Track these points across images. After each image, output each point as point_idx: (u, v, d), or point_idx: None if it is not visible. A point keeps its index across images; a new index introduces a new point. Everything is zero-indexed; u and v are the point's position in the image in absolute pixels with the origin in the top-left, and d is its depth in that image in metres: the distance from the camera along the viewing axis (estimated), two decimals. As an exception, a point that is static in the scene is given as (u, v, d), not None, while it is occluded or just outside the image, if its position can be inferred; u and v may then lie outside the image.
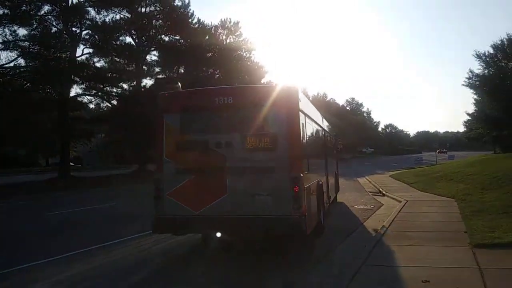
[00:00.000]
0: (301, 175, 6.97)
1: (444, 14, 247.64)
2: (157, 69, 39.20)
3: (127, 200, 19.88)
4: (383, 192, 19.89)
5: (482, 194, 14.32)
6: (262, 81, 45.18)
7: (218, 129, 7.48)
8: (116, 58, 35.79)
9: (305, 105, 8.73)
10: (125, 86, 36.32)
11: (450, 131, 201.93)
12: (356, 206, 15.28)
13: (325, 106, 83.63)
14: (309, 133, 9.03)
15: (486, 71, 31.77)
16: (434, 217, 11.31)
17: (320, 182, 9.99)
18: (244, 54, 42.20)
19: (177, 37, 38.45)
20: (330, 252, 7.97)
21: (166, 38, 38.68)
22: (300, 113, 7.51)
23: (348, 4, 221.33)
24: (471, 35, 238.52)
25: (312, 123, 9.97)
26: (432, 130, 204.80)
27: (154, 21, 36.78)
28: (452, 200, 14.56)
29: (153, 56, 39.12)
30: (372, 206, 15.18)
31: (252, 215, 7.01)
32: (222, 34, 41.21)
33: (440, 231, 9.18)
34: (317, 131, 11.29)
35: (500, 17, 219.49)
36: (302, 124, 7.76)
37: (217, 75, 41.67)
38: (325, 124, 14.49)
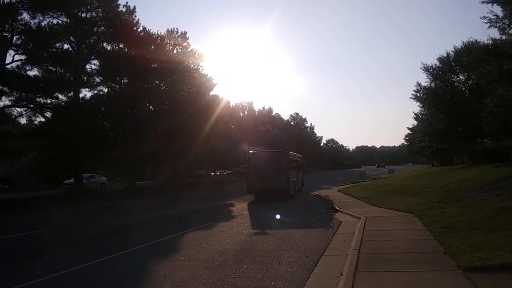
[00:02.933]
0: (289, 177, 25.62)
1: (384, 33, 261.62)
2: (97, 79, 36.37)
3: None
4: (337, 208, 19.29)
5: (442, 208, 13.96)
6: (211, 93, 44.01)
7: (264, 163, 26.11)
8: (51, 67, 32.68)
9: (291, 155, 27.94)
10: (61, 97, 33.17)
11: (386, 145, 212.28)
12: (315, 225, 14.35)
13: (271, 121, 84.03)
14: (291, 164, 27.24)
15: (432, 84, 32.79)
16: (403, 235, 10.58)
17: (294, 179, 28.03)
18: (192, 66, 40.69)
19: (121, 46, 36.21)
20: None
21: (109, 47, 36.30)
22: (289, 158, 26.77)
23: (292, 19, 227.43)
24: (409, 52, 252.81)
25: (293, 159, 28.42)
26: (370, 144, 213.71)
27: (95, 28, 34.14)
28: (411, 215, 14.08)
29: (93, 65, 36.32)
30: (331, 224, 14.35)
31: (274, 188, 24.73)
32: (168, 44, 39.50)
33: (418, 252, 8.38)
34: (295, 161, 29.54)
35: (443, 31, 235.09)
36: (289, 161, 26.79)
37: (163, 87, 39.84)
38: (297, 156, 32.67)
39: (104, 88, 37.94)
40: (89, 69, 35.83)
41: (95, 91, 37.30)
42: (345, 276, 6.92)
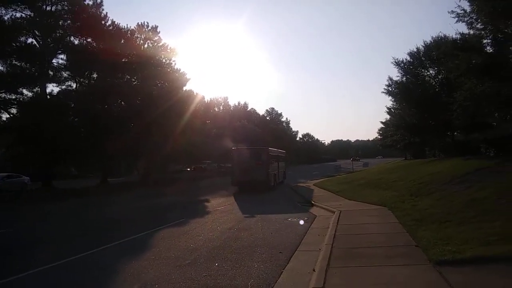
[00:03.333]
0: (268, 171, 28.32)
1: (358, 27, 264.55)
2: (65, 74, 35.16)
3: None
4: (312, 201, 19.31)
5: (414, 201, 14.12)
6: (184, 88, 43.37)
7: (246, 158, 28.60)
8: (16, 62, 31.43)
9: (271, 151, 30.80)
10: (26, 92, 31.95)
11: (360, 139, 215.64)
12: (289, 219, 14.29)
13: (246, 116, 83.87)
14: (271, 158, 30.04)
15: (404, 78, 33.26)
16: (376, 228, 10.61)
17: (275, 172, 30.94)
18: (164, 61, 39.90)
19: (89, 40, 35.15)
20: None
21: (76, 41, 35.16)
22: (269, 154, 29.44)
23: (266, 13, 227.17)
24: (382, 46, 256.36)
25: (272, 154, 31.09)
26: (345, 139, 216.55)
27: (61, 21, 32.99)
28: (384, 209, 14.18)
29: (60, 59, 35.08)
30: (306, 218, 14.31)
31: (255, 179, 27.38)
32: (139, 38, 38.62)
33: (390, 246, 8.37)
34: (275, 156, 32.49)
35: (415, 26, 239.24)
36: (269, 156, 29.41)
37: (134, 82, 38.95)
38: (278, 152, 35.56)
39: (72, 83, 36.81)
40: (56, 64, 34.66)
41: (64, 86, 36.17)
42: (317, 272, 6.81)
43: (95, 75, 37.07)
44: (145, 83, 38.17)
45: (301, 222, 13.66)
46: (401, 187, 18.52)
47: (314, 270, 7.13)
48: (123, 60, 35.59)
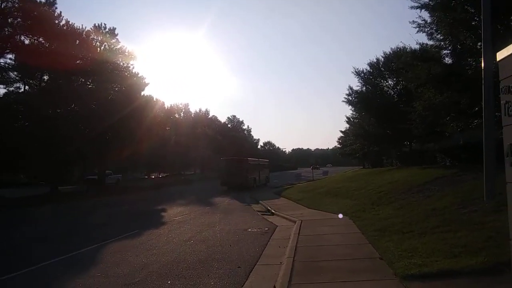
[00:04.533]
0: (248, 175, 37.47)
1: (318, 37, 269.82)
2: (13, 75, 32.95)
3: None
4: (273, 211, 18.91)
5: (375, 211, 13.97)
6: (143, 93, 42.00)
7: (231, 166, 37.86)
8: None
9: (251, 160, 40.58)
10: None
11: (320, 148, 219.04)
12: (249, 230, 13.74)
13: (208, 123, 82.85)
14: (251, 166, 39.55)
15: (364, 88, 33.82)
16: (338, 239, 10.26)
17: (255, 177, 40.30)
18: (122, 64, 38.46)
19: (40, 39, 33.11)
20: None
21: (27, 40, 33.04)
22: (248, 163, 38.96)
23: (226, 22, 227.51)
24: (344, 57, 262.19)
25: (252, 163, 40.67)
26: (305, 147, 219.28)
27: (10, 19, 30.93)
28: (346, 218, 13.99)
29: (8, 59, 32.83)
30: (266, 229, 13.81)
31: (238, 181, 36.12)
32: (95, 40, 36.94)
33: (354, 258, 8.01)
34: (255, 164, 42.22)
35: (375, 36, 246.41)
36: (249, 164, 38.85)
37: (89, 85, 37.20)
38: (259, 160, 46.45)
39: (21, 85, 34.54)
40: (3, 64, 32.42)
41: (12, 88, 33.91)
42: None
43: (46, 77, 35.01)
44: (101, 86, 36.52)
45: (262, 233, 13.14)
46: (361, 196, 18.47)
47: (275, 287, 6.61)
48: (78, 62, 33.79)
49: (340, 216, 14.54)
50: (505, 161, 6.16)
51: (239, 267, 8.50)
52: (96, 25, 37.23)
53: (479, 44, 13.95)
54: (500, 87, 6.29)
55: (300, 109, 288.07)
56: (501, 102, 6.24)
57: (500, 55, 6.35)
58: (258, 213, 19.21)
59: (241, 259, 9.25)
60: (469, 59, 16.96)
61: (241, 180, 36.50)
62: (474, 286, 5.69)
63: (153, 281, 7.72)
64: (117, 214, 21.30)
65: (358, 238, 10.18)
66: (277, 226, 14.44)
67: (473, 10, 15.06)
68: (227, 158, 42.54)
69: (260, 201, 23.93)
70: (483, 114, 10.61)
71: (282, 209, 18.90)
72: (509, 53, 6.01)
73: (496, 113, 9.85)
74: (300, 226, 13.04)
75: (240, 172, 36.61)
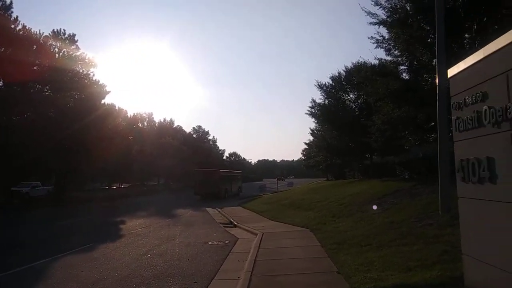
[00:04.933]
0: (220, 186, 41.32)
1: (284, 49, 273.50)
2: (-36, 80, 31.34)
3: None
4: (235, 223, 18.70)
5: (335, 223, 14.06)
6: (104, 101, 40.85)
7: (204, 178, 41.44)
8: None
9: (222, 172, 46.47)
10: None
11: (286, 159, 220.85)
12: (210, 243, 13.46)
13: (173, 133, 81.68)
14: (222, 177, 43.99)
15: (326, 101, 34.39)
16: (298, 253, 10.20)
17: (226, 187, 43.92)
18: (81, 71, 37.29)
19: (-5, 44, 31.71)
20: None
21: (-20, 45, 31.49)
22: (220, 174, 44.22)
23: (191, 33, 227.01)
24: (310, 69, 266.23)
25: (224, 174, 45.96)
26: (271, 158, 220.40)
27: (-38, 22, 29.49)
28: (307, 230, 13.97)
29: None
30: (227, 242, 13.58)
31: (210, 191, 39.66)
32: (54, 46, 35.71)
33: (311, 272, 7.94)
34: (226, 176, 46.68)
35: (340, 50, 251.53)
36: (220, 176, 43.67)
37: (47, 92, 35.78)
38: (232, 172, 53.55)
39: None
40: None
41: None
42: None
43: (0, 83, 33.40)
44: (59, 94, 35.20)
45: (222, 246, 12.89)
46: (323, 208, 18.60)
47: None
48: (35, 68, 32.48)
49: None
50: (456, 176, 6.30)
51: (195, 282, 8.25)
52: (55, 30, 36.02)
53: (434, 61, 14.45)
54: (451, 103, 6.46)
55: (266, 121, 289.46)
56: (452, 118, 6.40)
57: (451, 72, 6.53)
58: (221, 225, 18.95)
59: (198, 274, 8.99)
60: (425, 75, 17.54)
61: (213, 190, 39.98)
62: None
63: (103, 299, 7.34)
64: (73, 225, 20.41)
65: (318, 251, 10.15)
66: (238, 238, 14.25)
67: (428, 28, 15.62)
68: (201, 169, 46.81)
69: (222, 212, 23.67)
70: (437, 129, 10.94)
71: (245, 221, 18.73)
72: (459, 70, 6.19)
73: (450, 128, 10.19)
74: (261, 239, 12.90)
75: (213, 183, 40.46)
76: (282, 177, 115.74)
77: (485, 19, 15.03)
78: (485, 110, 5.33)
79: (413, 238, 9.04)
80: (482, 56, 5.50)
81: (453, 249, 7.44)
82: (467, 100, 5.86)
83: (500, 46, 5.03)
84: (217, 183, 40.92)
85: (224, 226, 18.36)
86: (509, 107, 4.79)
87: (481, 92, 5.49)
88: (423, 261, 7.22)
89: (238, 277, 8.18)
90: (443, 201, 10.29)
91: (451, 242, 7.90)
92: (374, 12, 17.46)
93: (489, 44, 5.36)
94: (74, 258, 11.39)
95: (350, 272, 7.39)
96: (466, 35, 16.06)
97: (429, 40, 15.85)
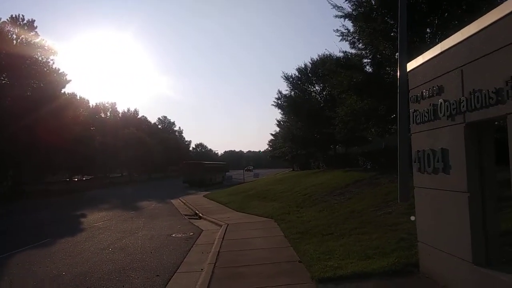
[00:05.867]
0: (204, 175, 49.34)
1: (247, 40, 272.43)
2: None
3: None
4: (200, 214, 18.60)
5: (299, 213, 14.24)
6: (63, 90, 39.41)
7: (191, 169, 51.04)
8: None
9: (206, 163, 56.33)
10: None
11: (252, 150, 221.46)
12: (173, 235, 13.32)
13: (137, 123, 80.00)
14: (207, 168, 53.51)
15: (292, 93, 34.64)
16: (261, 243, 10.24)
17: (211, 177, 52.36)
18: (40, 59, 35.73)
19: None
20: None
21: None
22: (205, 165, 53.97)
23: (155, 22, 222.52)
24: (277, 60, 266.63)
25: (208, 165, 55.42)
26: (237, 149, 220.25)
27: None
28: (271, 221, 14.07)
29: None
30: (191, 234, 13.48)
31: (197, 180, 47.39)
32: (12, 32, 34.03)
33: (274, 262, 8.00)
34: (211, 166, 57.39)
35: (307, 42, 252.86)
36: (204, 167, 52.50)
37: (4, 81, 34.10)
38: (215, 163, 67.81)
39: None
40: None
41: None
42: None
43: (-48, 70, 31.60)
44: (16, 82, 33.65)
45: (186, 238, 12.80)
46: (287, 198, 18.79)
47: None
48: (-11, 55, 30.94)
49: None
50: (413, 166, 6.50)
51: (157, 275, 8.14)
52: (13, 16, 34.41)
53: (396, 54, 14.79)
54: (409, 96, 6.64)
55: (232, 111, 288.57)
56: (410, 110, 6.58)
57: (410, 65, 6.70)
58: (186, 217, 18.81)
59: (161, 267, 8.88)
60: (387, 68, 17.95)
61: (198, 179, 47.14)
62: (384, 287, 5.89)
63: (61, 295, 7.13)
64: (30, 220, 19.70)
65: (281, 241, 10.25)
66: (203, 230, 14.19)
67: (392, 22, 15.95)
68: (188, 161, 58.92)
69: (187, 204, 23.51)
70: (397, 121, 11.22)
71: (210, 213, 18.66)
72: (417, 64, 6.36)
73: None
74: (226, 230, 12.88)
75: (198, 173, 48.73)
76: (251, 167, 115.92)
77: (446, 14, 15.51)
78: (441, 103, 5.52)
79: (373, 227, 9.30)
80: (439, 51, 5.67)
81: (409, 236, 7.71)
82: (424, 93, 6.04)
83: (456, 42, 5.20)
84: (202, 173, 49.07)
85: (189, 218, 18.23)
86: (463, 100, 4.98)
87: (437, 85, 5.67)
88: (381, 249, 7.45)
89: (202, 269, 8.14)
90: (402, 190, 10.56)
91: (408, 230, 8.19)
92: (340, 5, 17.68)
93: (446, 39, 5.53)
94: (31, 254, 10.99)
95: (311, 261, 7.51)
96: (428, 30, 16.53)
97: (392, 34, 16.20)
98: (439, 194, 5.66)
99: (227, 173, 65.61)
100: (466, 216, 4.94)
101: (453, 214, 5.29)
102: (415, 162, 6.35)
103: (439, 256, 5.69)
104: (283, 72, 36.13)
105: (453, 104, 5.20)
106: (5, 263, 10.02)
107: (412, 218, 10.49)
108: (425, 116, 6.01)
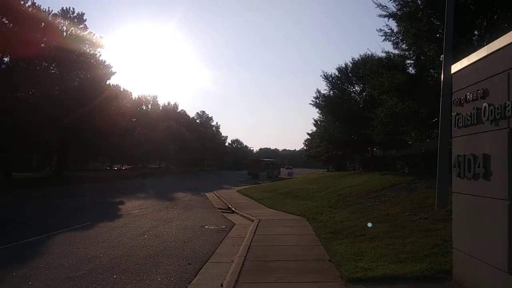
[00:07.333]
0: (262, 170, 62.26)
1: (292, 38, 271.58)
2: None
3: None
4: (233, 209, 18.84)
5: (331, 213, 14.15)
6: (109, 82, 40.89)
7: (254, 164, 65.51)
8: None
9: (265, 160, 73.11)
10: None
11: (287, 149, 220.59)
12: (206, 227, 13.59)
13: (176, 117, 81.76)
14: (265, 164, 67.59)
15: (331, 92, 34.28)
16: (292, 240, 10.29)
17: (268, 171, 63.60)
18: (88, 51, 37.23)
19: (3, 19, 31.57)
20: None
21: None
22: (265, 162, 69.89)
23: (198, 16, 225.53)
24: (316, 59, 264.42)
25: (267, 162, 70.59)
26: (272, 147, 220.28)
27: (-28, -5, 29.33)
28: (303, 219, 14.06)
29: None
30: (224, 227, 13.70)
31: (255, 173, 58.80)
32: (62, 24, 35.66)
33: (303, 259, 8.03)
34: (268, 163, 69.90)
35: (349, 42, 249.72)
36: (263, 163, 68.60)
37: (53, 70, 35.78)
38: (271, 160, 75.82)
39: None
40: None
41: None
42: (224, 289, 6.22)
43: (7, 59, 33.37)
44: (65, 73, 35.23)
45: (218, 230, 13.03)
46: (320, 198, 18.68)
47: (222, 286, 6.53)
48: (42, 45, 32.45)
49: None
50: (452, 171, 6.33)
51: (189, 264, 8.36)
52: (64, 9, 36.05)
53: (441, 56, 14.35)
54: (453, 99, 6.46)
55: (270, 108, 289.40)
56: (452, 114, 6.40)
57: (455, 68, 6.51)
58: (219, 210, 19.10)
59: (193, 256, 9.10)
60: (431, 71, 17.43)
61: (257, 172, 57.87)
62: (414, 291, 5.80)
63: (98, 274, 7.46)
64: (72, 204, 20.62)
65: (312, 239, 10.24)
66: (235, 224, 14.38)
67: (438, 23, 15.47)
68: (252, 158, 79.37)
69: (221, 198, 23.85)
70: (439, 125, 10.92)
71: (243, 208, 18.85)
72: (462, 67, 6.17)
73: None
74: (258, 225, 12.99)
75: (260, 168, 61.19)
76: (291, 166, 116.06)
77: (495, 16, 14.88)
78: (485, 107, 5.34)
79: (407, 231, 9.11)
80: (485, 54, 5.49)
81: (444, 243, 7.52)
82: (468, 96, 5.86)
83: (503, 44, 5.02)
84: (263, 168, 62.21)
85: (222, 212, 18.51)
86: (508, 105, 4.80)
87: (482, 89, 5.49)
88: (414, 254, 7.30)
89: (232, 261, 8.29)
90: (440, 196, 10.31)
91: (443, 236, 7.98)
92: (384, 4, 17.37)
93: (493, 42, 5.35)
94: (72, 236, 11.53)
95: (341, 261, 7.48)
96: (476, 32, 15.93)
97: (437, 35, 15.72)
98: (477, 200, 5.49)
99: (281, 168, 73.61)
100: (504, 225, 4.78)
101: (491, 221, 5.13)
102: (454, 166, 6.18)
103: (473, 264, 5.53)
104: (322, 71, 35.83)
105: (497, 108, 5.03)
106: (46, 243, 10.58)
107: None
108: (467, 120, 5.83)
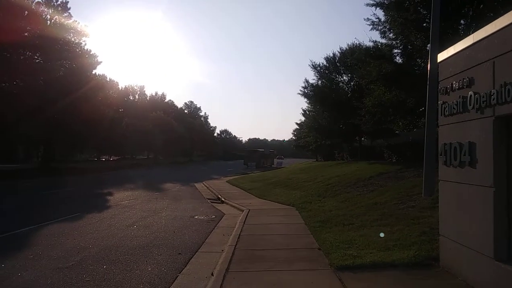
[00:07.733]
0: (259, 159, 66.64)
1: (279, 29, 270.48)
2: None
3: None
4: (223, 199, 18.88)
5: (320, 202, 14.27)
6: (94, 72, 40.32)
7: (250, 154, 68.90)
8: None
9: (261, 150, 74.64)
10: None
11: (276, 139, 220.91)
12: (196, 217, 13.61)
13: (164, 107, 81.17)
14: (262, 154, 71.16)
15: (319, 82, 34.33)
16: (281, 229, 10.37)
17: (263, 161, 67.74)
18: (73, 40, 36.59)
19: (-17, 8, 30.87)
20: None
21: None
22: (260, 152, 72.46)
23: (190, 2, 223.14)
24: (304, 49, 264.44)
25: (263, 152, 73.76)
26: (261, 137, 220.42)
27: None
28: (292, 209, 14.18)
29: None
30: (213, 217, 13.74)
31: (254, 163, 61.33)
32: (46, 12, 34.92)
33: (293, 248, 8.12)
34: (266, 153, 74.33)
35: (335, 32, 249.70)
36: (261, 153, 71.68)
37: (37, 60, 35.11)
38: (269, 151, 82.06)
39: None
40: None
41: None
42: (214, 277, 6.27)
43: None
44: (49, 62, 34.59)
45: (208, 220, 13.07)
46: (309, 188, 18.81)
47: (212, 275, 6.57)
48: (25, 34, 31.77)
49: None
50: (439, 159, 6.43)
51: (179, 253, 8.38)
52: (48, -4, 35.20)
53: (428, 45, 14.46)
54: (439, 88, 6.53)
55: (258, 99, 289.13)
56: (439, 102, 6.48)
57: (441, 56, 6.57)
58: (208, 200, 19.10)
59: (183, 245, 9.13)
60: (418, 60, 17.57)
61: (256, 162, 61.30)
62: (402, 278, 5.90)
63: (87, 265, 7.45)
64: (59, 195, 20.47)
65: (301, 228, 10.34)
66: (225, 214, 14.42)
67: (425, 12, 15.56)
68: (249, 149, 78.68)
69: (210, 188, 23.87)
70: (425, 114, 11.05)
71: (232, 198, 18.90)
72: (448, 55, 6.23)
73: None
74: (247, 215, 13.07)
75: (256, 158, 64.17)
76: (282, 156, 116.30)
77: (481, 6, 15.01)
78: (471, 95, 5.42)
79: (394, 219, 9.26)
80: (471, 42, 5.55)
81: (431, 230, 7.66)
82: (454, 85, 5.93)
83: (489, 33, 5.08)
84: (258, 158, 64.90)
85: (212, 202, 18.52)
86: (493, 93, 4.88)
87: (467, 77, 5.56)
88: (402, 241, 7.43)
89: (222, 250, 8.34)
90: (427, 184, 10.47)
91: (430, 224, 8.13)
92: (371, -7, 17.34)
93: (479, 30, 5.40)
94: (60, 227, 11.45)
95: (330, 249, 7.58)
96: (462, 21, 16.06)
97: (424, 25, 15.82)
98: (463, 188, 5.60)
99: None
100: (489, 211, 4.88)
101: (477, 208, 5.23)
102: (441, 155, 6.28)
103: (460, 251, 5.65)
104: (310, 61, 35.87)
105: (483, 96, 5.10)
106: (34, 234, 10.50)
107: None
108: (453, 108, 5.91)
